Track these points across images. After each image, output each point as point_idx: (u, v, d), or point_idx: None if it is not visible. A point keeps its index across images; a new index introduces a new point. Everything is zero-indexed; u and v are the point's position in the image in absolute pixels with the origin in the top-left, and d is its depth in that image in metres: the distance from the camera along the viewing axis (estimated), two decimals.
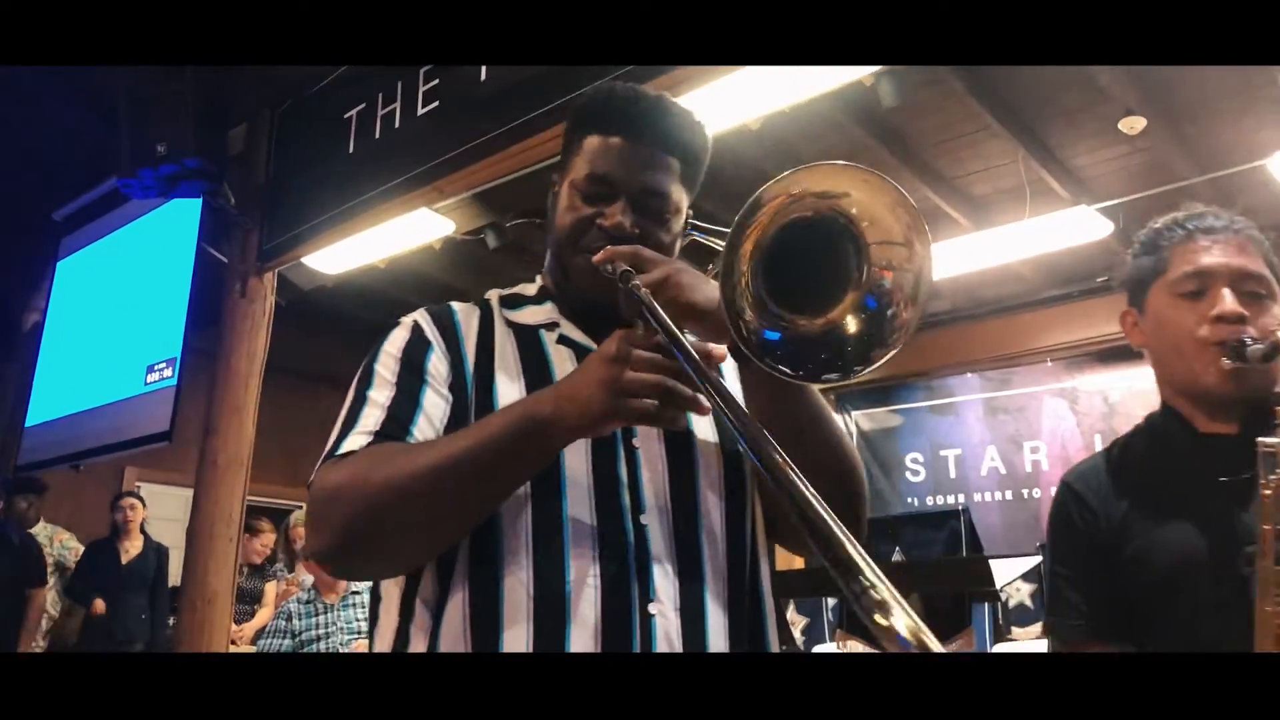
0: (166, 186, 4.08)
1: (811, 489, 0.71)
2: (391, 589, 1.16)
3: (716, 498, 1.17)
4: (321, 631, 4.06)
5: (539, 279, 1.33)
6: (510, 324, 1.24)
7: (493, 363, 1.19)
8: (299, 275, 4.90)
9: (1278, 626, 1.20)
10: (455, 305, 1.26)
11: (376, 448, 1.08)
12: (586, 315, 1.25)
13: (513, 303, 1.29)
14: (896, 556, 3.83)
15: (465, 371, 1.17)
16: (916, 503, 7.37)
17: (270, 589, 5.64)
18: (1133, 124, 4.88)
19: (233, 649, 4.45)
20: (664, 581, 1.09)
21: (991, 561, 3.65)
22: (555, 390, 1.03)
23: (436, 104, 3.52)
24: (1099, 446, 1.72)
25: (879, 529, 4.34)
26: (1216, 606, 1.29)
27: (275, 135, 4.43)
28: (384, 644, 1.14)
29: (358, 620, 4.10)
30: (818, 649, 4.71)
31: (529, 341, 1.23)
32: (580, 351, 1.22)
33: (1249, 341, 1.32)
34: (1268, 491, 1.24)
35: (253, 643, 5.26)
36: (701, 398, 0.96)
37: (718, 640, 1.10)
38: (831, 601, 4.96)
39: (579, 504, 1.10)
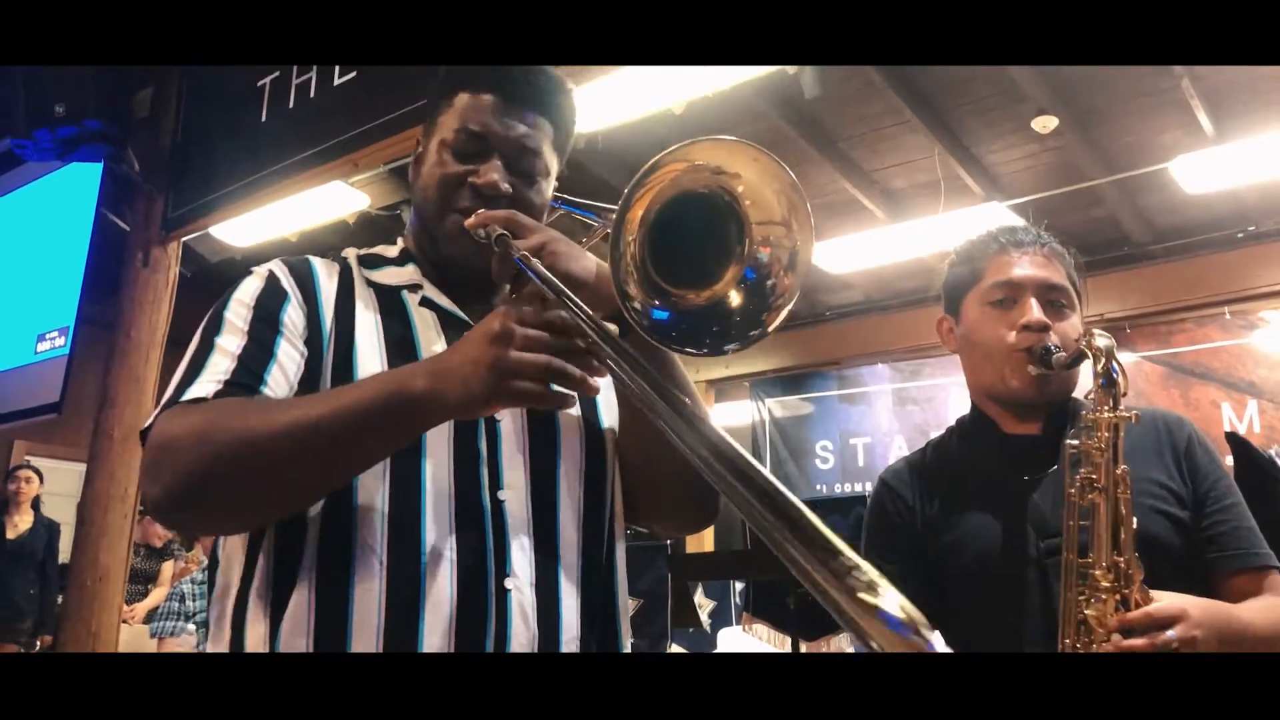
0: (65, 149, 3.90)
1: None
2: (236, 549, 1.10)
3: (576, 476, 1.16)
4: None
5: (400, 240, 1.29)
6: (371, 283, 1.20)
7: (353, 320, 1.14)
8: (205, 246, 4.75)
9: (1079, 613, 1.28)
10: (314, 259, 1.21)
11: (228, 399, 1.03)
12: (452, 278, 1.22)
13: (372, 262, 1.24)
14: None
15: (322, 326, 1.12)
16: (825, 489, 7.49)
17: (167, 568, 5.49)
18: (1045, 123, 5.01)
19: (124, 628, 4.31)
20: (520, 557, 1.08)
21: None
22: (432, 366, 0.98)
23: (353, 74, 3.42)
24: None
25: None
26: (1018, 595, 1.38)
27: (183, 100, 4.27)
28: (224, 611, 1.09)
29: None
30: (724, 632, 4.76)
31: (390, 302, 1.18)
32: (444, 315, 1.19)
33: (1054, 349, 1.42)
34: (1071, 490, 1.33)
35: (145, 622, 5.11)
36: (592, 379, 0.94)
37: (570, 618, 1.10)
38: (739, 585, 5.01)
39: (438, 477, 1.07)
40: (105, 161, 4.05)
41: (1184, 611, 1.22)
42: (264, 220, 4.03)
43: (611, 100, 3.13)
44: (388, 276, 1.21)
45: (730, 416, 8.21)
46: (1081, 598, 1.28)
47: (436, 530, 1.05)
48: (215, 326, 1.10)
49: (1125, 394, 1.36)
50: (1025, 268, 1.49)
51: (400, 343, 1.14)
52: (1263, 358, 5.95)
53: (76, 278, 4.16)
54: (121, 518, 3.91)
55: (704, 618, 4.28)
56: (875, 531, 1.56)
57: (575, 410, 1.19)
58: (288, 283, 1.15)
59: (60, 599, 5.01)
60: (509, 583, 1.06)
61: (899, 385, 7.33)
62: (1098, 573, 1.27)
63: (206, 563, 4.48)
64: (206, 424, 0.99)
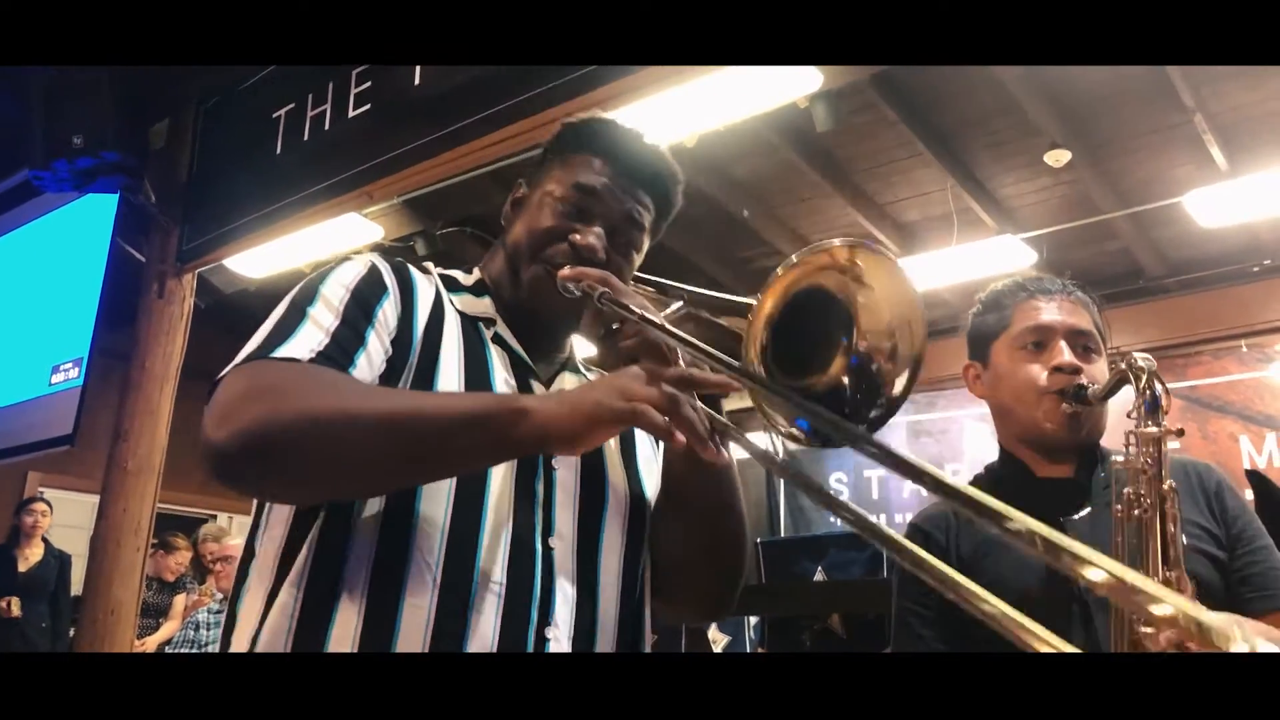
0: (82, 180, 3.93)
1: None
2: (268, 548, 1.07)
3: (619, 534, 1.16)
4: None
5: (476, 271, 1.28)
6: (456, 309, 1.19)
7: (441, 335, 1.13)
8: (220, 277, 4.76)
9: (1133, 635, 1.26)
10: (413, 272, 1.19)
11: (321, 371, 0.99)
12: (521, 323, 1.21)
13: (451, 285, 1.23)
14: (818, 576, 3.84)
15: (414, 331, 1.11)
16: (839, 523, 7.42)
17: (179, 602, 5.46)
18: (1058, 157, 5.00)
19: None
20: (563, 608, 1.08)
21: None
22: (541, 398, 1.00)
23: (368, 106, 3.45)
24: None
25: (802, 548, 4.35)
26: (1063, 633, 1.35)
27: (200, 132, 4.30)
28: (252, 614, 1.05)
29: None
30: None
31: (470, 331, 1.17)
32: (513, 356, 1.19)
33: (1088, 385, 1.45)
34: (1118, 507, 1.34)
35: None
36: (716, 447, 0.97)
37: None
38: (753, 620, 4.97)
39: (499, 508, 1.06)
40: (121, 193, 4.08)
41: (1240, 623, 1.20)
42: (278, 252, 4.04)
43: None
44: (466, 305, 1.21)
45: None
46: (1133, 618, 1.26)
47: (489, 559, 1.04)
48: (309, 297, 1.07)
49: (1168, 412, 1.36)
50: (1054, 314, 1.52)
51: (478, 371, 1.13)
52: None
53: (91, 309, 4.18)
54: (134, 551, 3.90)
55: (718, 651, 4.24)
56: (910, 578, 1.54)
57: (623, 476, 1.20)
58: (389, 278, 1.13)
59: (72, 632, 5.00)
60: (549, 632, 1.06)
61: (913, 417, 7.29)
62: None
63: (219, 595, 4.46)
64: (304, 382, 0.97)
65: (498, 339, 1.19)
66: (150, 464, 3.97)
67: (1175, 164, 5.06)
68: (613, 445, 0.99)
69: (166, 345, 4.08)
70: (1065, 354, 1.48)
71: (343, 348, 1.02)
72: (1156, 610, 0.55)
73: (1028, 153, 5.08)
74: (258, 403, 0.94)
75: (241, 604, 1.08)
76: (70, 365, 4.29)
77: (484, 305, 1.21)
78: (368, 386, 1.02)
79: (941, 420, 7.07)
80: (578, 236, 1.17)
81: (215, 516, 6.90)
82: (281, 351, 1.00)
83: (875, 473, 7.45)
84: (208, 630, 4.09)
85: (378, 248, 4.70)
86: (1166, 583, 1.25)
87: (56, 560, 5.63)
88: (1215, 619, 1.05)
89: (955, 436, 6.92)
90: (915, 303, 0.97)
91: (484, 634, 1.02)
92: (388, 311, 1.10)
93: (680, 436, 0.92)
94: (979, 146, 5.11)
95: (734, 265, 6.45)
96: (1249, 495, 2.15)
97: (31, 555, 5.54)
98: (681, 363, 1.05)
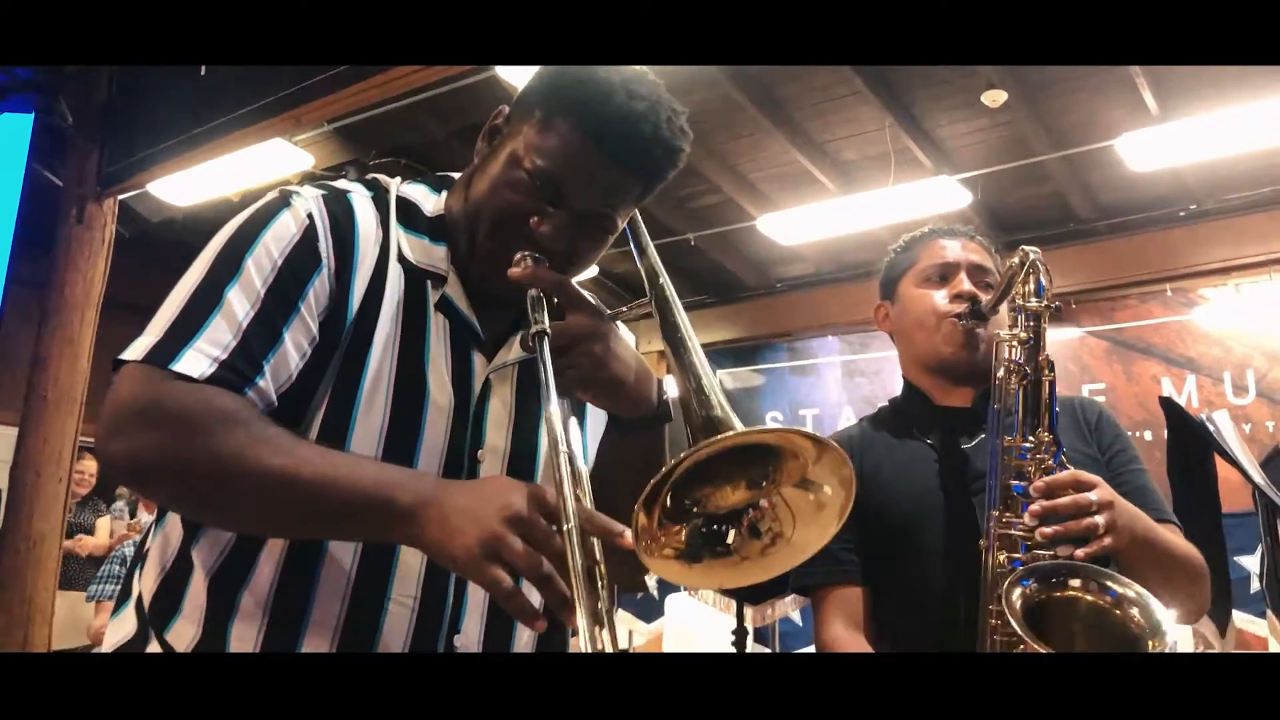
0: None
1: None
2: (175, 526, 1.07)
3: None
4: None
5: (439, 200, 1.17)
6: (403, 260, 1.10)
7: (378, 310, 1.06)
8: (145, 205, 4.63)
9: (1001, 528, 1.37)
10: (356, 204, 1.09)
11: (220, 402, 0.95)
12: (476, 279, 1.13)
13: (408, 219, 1.13)
14: None
15: (349, 308, 1.04)
16: None
17: (102, 525, 5.36)
18: (994, 97, 5.03)
19: (61, 594, 4.22)
20: (472, 620, 1.08)
21: None
22: (430, 495, 0.92)
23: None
24: None
25: None
26: (946, 550, 1.47)
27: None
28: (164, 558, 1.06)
29: None
30: (671, 598, 4.78)
31: (414, 294, 1.09)
32: (457, 326, 1.11)
33: (981, 299, 1.57)
34: (999, 376, 1.45)
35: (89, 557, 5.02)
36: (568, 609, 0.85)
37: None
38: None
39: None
40: (36, 112, 3.92)
41: (1102, 482, 1.32)
42: (205, 179, 3.93)
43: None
44: (418, 252, 1.11)
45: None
46: (1007, 515, 1.37)
47: (405, 567, 1.05)
48: (232, 269, 1.00)
49: (1052, 302, 1.44)
50: (958, 251, 1.64)
51: (413, 356, 1.07)
52: (1201, 334, 6.08)
53: (6, 234, 4.04)
54: (55, 482, 3.82)
55: (650, 582, 4.29)
56: None
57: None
58: (325, 243, 1.04)
59: None
60: (457, 640, 1.07)
61: (848, 357, 7.39)
62: (1026, 444, 1.38)
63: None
64: (202, 420, 0.93)
65: (444, 302, 1.11)
66: (71, 394, 3.88)
67: (1110, 107, 5.12)
68: (556, 422, 0.92)
69: (87, 272, 3.97)
70: (965, 284, 1.60)
71: (251, 355, 0.98)
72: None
73: (965, 92, 5.10)
74: (152, 431, 0.93)
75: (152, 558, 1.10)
76: None
77: (438, 256, 1.12)
78: (263, 438, 0.95)
79: (877, 360, 7.19)
80: (539, 224, 1.06)
81: None
82: (182, 363, 0.95)
83: (810, 411, 7.57)
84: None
85: (310, 178, 4.59)
86: (1040, 443, 1.38)
87: None
88: (1071, 473, 1.09)
89: (888, 377, 7.01)
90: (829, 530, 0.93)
91: (391, 643, 1.03)
92: (318, 290, 1.03)
93: (540, 624, 0.87)
94: (917, 84, 5.12)
95: (672, 202, 6.42)
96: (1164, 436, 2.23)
97: None
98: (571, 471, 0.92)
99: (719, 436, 0.87)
